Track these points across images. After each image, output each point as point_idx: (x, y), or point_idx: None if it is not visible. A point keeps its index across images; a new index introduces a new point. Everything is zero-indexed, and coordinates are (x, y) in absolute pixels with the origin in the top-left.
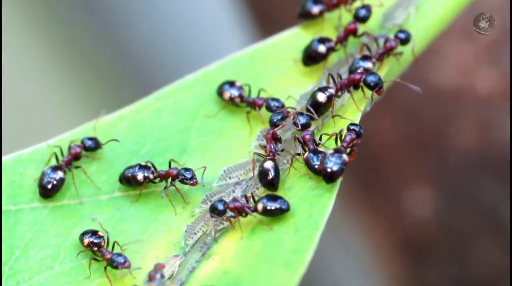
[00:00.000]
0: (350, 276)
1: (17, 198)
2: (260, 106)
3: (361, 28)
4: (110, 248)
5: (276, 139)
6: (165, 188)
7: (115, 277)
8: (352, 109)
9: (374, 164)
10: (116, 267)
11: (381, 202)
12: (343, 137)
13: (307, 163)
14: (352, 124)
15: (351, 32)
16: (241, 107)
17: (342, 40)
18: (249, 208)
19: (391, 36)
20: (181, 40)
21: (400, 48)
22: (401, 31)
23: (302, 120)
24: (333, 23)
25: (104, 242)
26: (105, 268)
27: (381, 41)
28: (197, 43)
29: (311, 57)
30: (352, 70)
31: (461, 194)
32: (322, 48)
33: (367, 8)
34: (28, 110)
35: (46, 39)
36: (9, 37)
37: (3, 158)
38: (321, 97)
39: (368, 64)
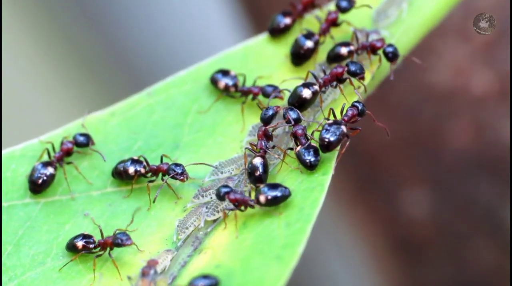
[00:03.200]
0: (345, 275)
1: (9, 194)
2: (256, 95)
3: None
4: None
5: (267, 136)
6: (150, 181)
7: (109, 271)
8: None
9: (369, 163)
10: (121, 245)
11: (376, 202)
12: (344, 112)
13: (299, 157)
14: (356, 101)
15: (333, 22)
16: (235, 97)
17: (325, 31)
18: (250, 201)
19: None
20: (174, 36)
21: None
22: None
23: (293, 115)
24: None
25: (95, 239)
26: (109, 254)
27: (373, 36)
28: (190, 39)
29: (299, 55)
30: (329, 55)
31: (456, 193)
32: (309, 44)
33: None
34: (21, 106)
35: (40, 36)
36: (6, 36)
37: None
38: (306, 93)
39: (345, 50)
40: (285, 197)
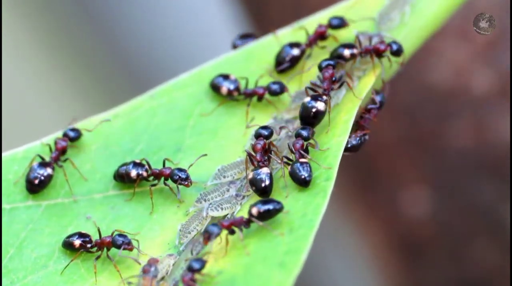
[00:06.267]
0: (346, 276)
1: (11, 196)
2: (261, 95)
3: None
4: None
5: (265, 150)
6: (153, 185)
7: (112, 274)
8: (347, 108)
9: (370, 163)
10: (119, 246)
11: (377, 202)
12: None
13: (293, 173)
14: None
15: (321, 34)
16: (239, 100)
17: (312, 42)
18: (242, 220)
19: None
20: (176, 39)
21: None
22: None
23: (304, 133)
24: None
25: (92, 238)
26: (107, 255)
27: (375, 39)
28: (192, 42)
29: (284, 63)
30: (331, 55)
31: (458, 193)
32: (295, 51)
33: (341, 19)
34: (22, 109)
35: (41, 37)
36: (7, 36)
37: None
38: (321, 106)
39: (347, 52)
40: (277, 210)
